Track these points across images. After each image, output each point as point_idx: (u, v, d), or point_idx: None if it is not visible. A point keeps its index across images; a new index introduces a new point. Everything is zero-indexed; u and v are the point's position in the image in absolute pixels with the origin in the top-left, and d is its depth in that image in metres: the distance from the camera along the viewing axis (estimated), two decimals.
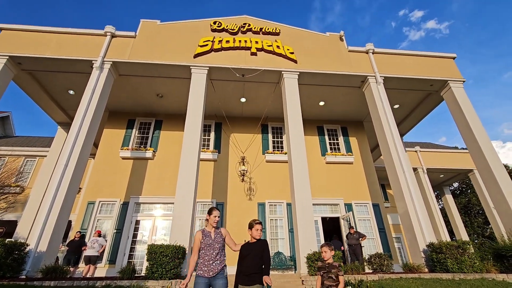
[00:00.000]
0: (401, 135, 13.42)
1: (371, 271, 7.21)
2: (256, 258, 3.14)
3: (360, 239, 9.15)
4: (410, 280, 5.93)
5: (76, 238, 8.88)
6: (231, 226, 10.10)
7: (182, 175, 7.86)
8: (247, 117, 12.66)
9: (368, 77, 10.31)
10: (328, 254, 3.41)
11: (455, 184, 26.43)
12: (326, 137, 12.89)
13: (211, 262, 3.15)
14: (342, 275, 3.21)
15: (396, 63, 10.85)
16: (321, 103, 11.90)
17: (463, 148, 19.38)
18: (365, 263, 7.75)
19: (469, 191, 25.38)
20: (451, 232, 17.47)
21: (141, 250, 9.73)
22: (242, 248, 3.28)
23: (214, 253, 3.21)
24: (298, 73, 10.03)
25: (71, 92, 10.67)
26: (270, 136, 12.56)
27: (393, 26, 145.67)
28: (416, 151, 16.56)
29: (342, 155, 12.26)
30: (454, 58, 11.29)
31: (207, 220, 3.42)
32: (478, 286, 5.61)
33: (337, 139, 12.99)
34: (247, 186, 11.19)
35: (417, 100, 11.81)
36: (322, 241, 10.58)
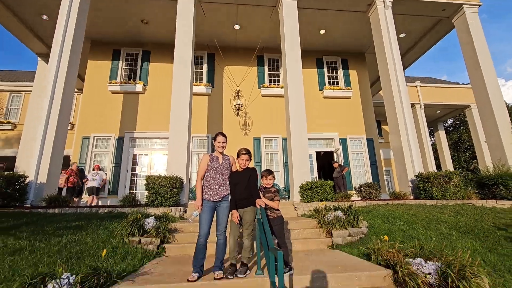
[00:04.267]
0: (404, 68, 12.81)
1: (360, 198, 7.65)
2: (245, 186, 3.18)
3: (342, 171, 9.51)
4: (395, 206, 6.32)
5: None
6: None
7: (175, 109, 7.63)
8: (241, 48, 11.75)
9: None
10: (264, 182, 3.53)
11: (449, 121, 26.66)
12: (325, 70, 12.25)
13: (217, 186, 3.14)
14: (278, 200, 3.46)
15: None
16: (322, 32, 10.93)
17: (464, 84, 18.92)
18: (354, 191, 8.19)
19: (461, 127, 25.76)
20: (438, 166, 18.27)
21: (141, 184, 10.02)
22: (231, 176, 3.27)
23: (220, 178, 3.18)
24: None
25: (45, 17, 9.54)
26: (266, 68, 11.89)
27: None
28: (416, 86, 16.10)
29: (341, 89, 11.85)
30: None
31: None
32: (458, 210, 6.02)
33: (336, 72, 12.38)
34: (243, 120, 11.06)
35: (425, 28, 10.89)
36: (316, 174, 11.01)
